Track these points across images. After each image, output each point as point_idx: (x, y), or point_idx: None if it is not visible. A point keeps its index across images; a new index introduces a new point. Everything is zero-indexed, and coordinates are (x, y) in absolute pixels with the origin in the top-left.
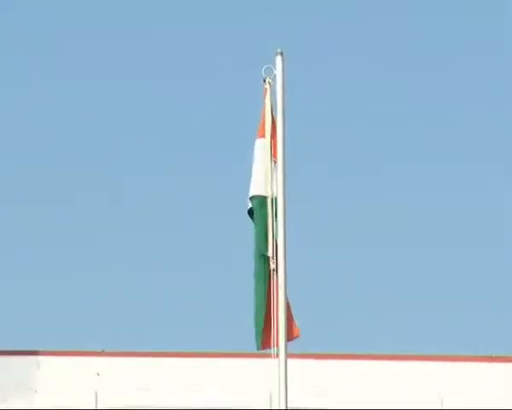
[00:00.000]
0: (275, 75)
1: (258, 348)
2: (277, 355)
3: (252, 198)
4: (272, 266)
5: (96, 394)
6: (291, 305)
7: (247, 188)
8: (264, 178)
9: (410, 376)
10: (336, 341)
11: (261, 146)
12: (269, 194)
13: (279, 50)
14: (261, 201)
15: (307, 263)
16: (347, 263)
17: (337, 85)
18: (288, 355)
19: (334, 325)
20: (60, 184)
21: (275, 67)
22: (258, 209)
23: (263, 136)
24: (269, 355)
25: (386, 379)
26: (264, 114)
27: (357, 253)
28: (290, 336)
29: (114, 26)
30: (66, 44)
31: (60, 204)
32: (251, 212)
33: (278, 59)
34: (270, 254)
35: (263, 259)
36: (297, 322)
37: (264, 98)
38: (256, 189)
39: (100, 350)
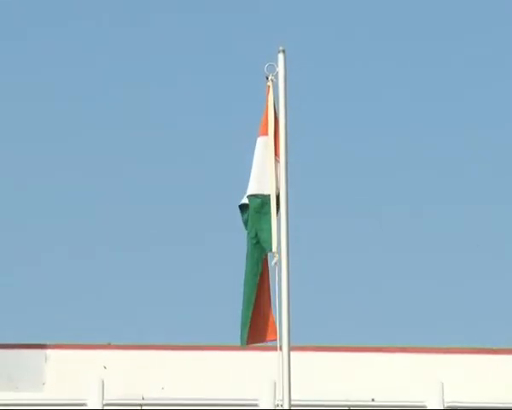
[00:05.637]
0: (277, 72)
1: (243, 343)
2: (281, 348)
3: (250, 197)
4: (275, 259)
5: (103, 386)
6: (272, 306)
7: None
8: (267, 175)
9: (411, 368)
10: (337, 333)
11: (263, 144)
12: (272, 191)
13: (281, 48)
14: (262, 200)
15: (310, 257)
16: (348, 256)
17: (339, 83)
18: (291, 348)
19: (334, 317)
20: (61, 184)
21: (277, 65)
22: (260, 208)
23: (265, 134)
24: (273, 348)
25: (388, 371)
26: (266, 112)
27: (358, 246)
28: (268, 337)
29: (114, 24)
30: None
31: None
32: (242, 207)
33: (280, 56)
34: (274, 249)
35: (257, 258)
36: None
37: (266, 96)
38: (257, 187)
39: (106, 343)
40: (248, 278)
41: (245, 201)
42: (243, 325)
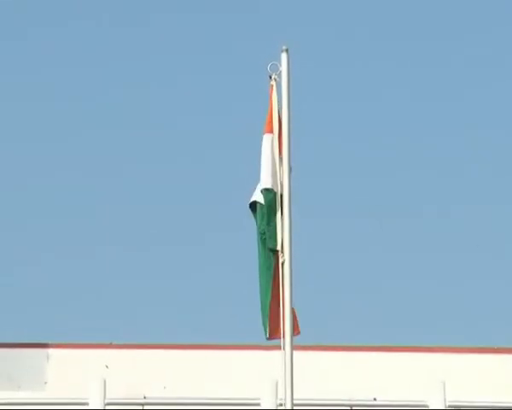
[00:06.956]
0: (280, 72)
1: (266, 337)
2: (283, 347)
3: (264, 191)
4: (281, 259)
5: (105, 386)
6: (294, 303)
7: (254, 183)
8: (273, 173)
9: (412, 367)
10: (338, 333)
11: (269, 141)
12: (277, 189)
13: (284, 47)
14: (272, 195)
15: (313, 256)
16: (348, 256)
17: (341, 82)
18: (293, 347)
19: (336, 316)
20: (61, 184)
21: (280, 64)
22: (269, 203)
23: (270, 131)
24: (275, 347)
25: (390, 370)
26: (270, 110)
27: (358, 246)
28: (296, 330)
29: (114, 24)
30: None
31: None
32: (252, 205)
33: (283, 56)
34: (278, 247)
35: (268, 251)
36: (300, 321)
37: (270, 95)
38: (267, 182)
39: (108, 342)
40: (262, 271)
41: (254, 198)
42: (264, 318)
